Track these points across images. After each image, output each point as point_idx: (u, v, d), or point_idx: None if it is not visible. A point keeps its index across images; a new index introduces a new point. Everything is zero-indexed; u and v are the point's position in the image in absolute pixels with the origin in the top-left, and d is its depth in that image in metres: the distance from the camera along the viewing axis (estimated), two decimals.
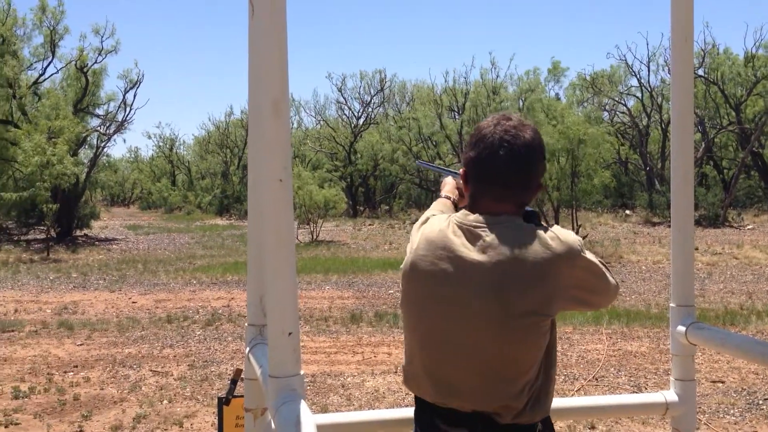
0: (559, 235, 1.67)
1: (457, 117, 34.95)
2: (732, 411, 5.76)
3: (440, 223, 1.76)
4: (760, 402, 5.96)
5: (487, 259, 1.64)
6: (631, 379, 6.74)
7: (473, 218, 1.71)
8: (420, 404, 1.80)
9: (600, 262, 1.74)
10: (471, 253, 1.66)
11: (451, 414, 1.71)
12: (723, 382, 6.56)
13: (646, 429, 5.32)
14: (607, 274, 1.74)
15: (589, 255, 1.70)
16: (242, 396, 1.98)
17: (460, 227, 1.71)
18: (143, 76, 29.04)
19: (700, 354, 7.34)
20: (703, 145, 30.38)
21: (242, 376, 1.97)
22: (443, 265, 1.69)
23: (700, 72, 31.51)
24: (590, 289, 1.71)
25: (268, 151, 1.31)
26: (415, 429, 1.84)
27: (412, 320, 1.76)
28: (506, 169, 1.69)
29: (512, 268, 1.62)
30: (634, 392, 6.17)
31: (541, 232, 1.67)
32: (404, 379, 1.84)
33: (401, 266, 1.82)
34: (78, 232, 24.99)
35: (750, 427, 5.39)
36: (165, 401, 6.20)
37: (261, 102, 1.32)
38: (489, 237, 1.66)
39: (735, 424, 5.47)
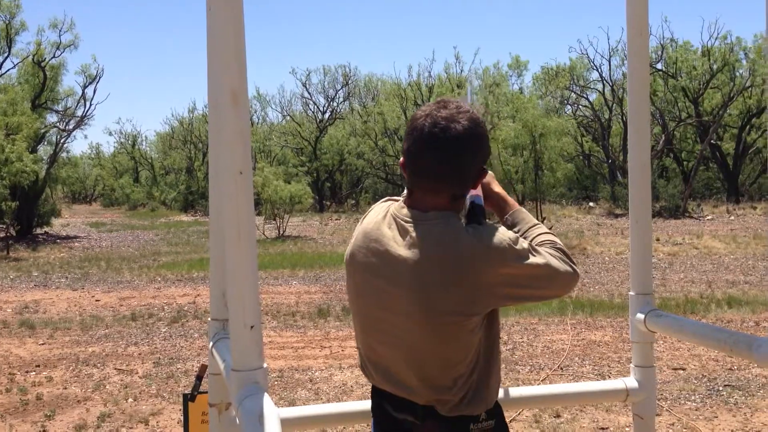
0: (484, 234, 1.62)
1: None
2: (693, 397, 5.88)
3: (378, 215, 1.76)
4: (720, 388, 6.10)
5: (411, 257, 1.62)
6: (595, 367, 6.84)
7: (405, 212, 1.69)
8: (372, 389, 1.83)
9: (550, 251, 1.67)
10: (399, 248, 1.65)
11: (396, 399, 1.72)
12: (684, 369, 6.70)
13: (610, 416, 5.41)
14: (554, 263, 1.65)
15: (522, 249, 1.63)
16: (207, 392, 1.97)
17: (395, 220, 1.70)
18: (103, 71, 28.57)
19: (661, 342, 7.49)
20: (663, 138, 30.91)
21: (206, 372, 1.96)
22: (374, 259, 1.69)
23: (659, 66, 32.07)
24: (526, 284, 1.64)
25: (227, 143, 1.30)
26: (372, 412, 1.87)
27: (353, 307, 1.80)
28: (434, 163, 1.63)
29: (433, 266, 1.59)
30: (597, 380, 6.27)
31: (465, 232, 1.62)
32: (359, 365, 1.87)
33: (345, 256, 1.85)
34: (38, 230, 24.52)
35: (711, 412, 5.52)
36: (130, 399, 6.13)
37: (219, 93, 1.31)
38: (414, 234, 1.64)
39: (696, 410, 5.59)
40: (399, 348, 1.67)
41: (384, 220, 1.73)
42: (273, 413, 1.27)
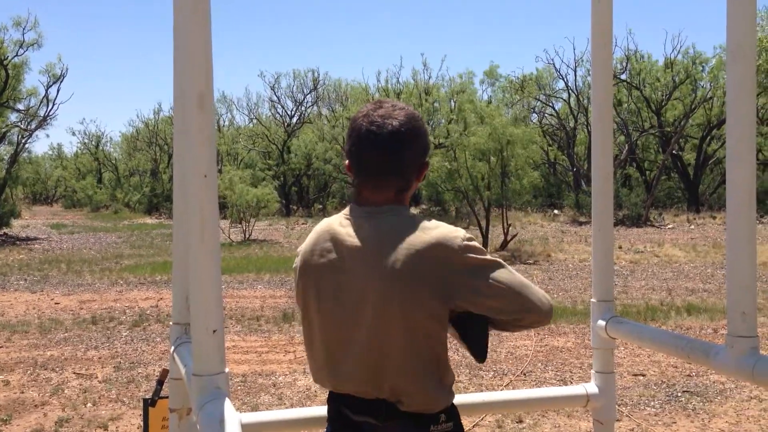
0: (441, 224, 1.68)
1: None
2: (652, 403, 5.98)
3: (329, 219, 1.81)
4: (679, 394, 6.21)
5: (372, 246, 1.67)
6: (558, 373, 6.91)
7: (357, 210, 1.74)
8: (330, 396, 1.83)
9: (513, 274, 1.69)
10: (357, 240, 1.69)
11: (356, 402, 1.73)
12: (644, 375, 6.81)
13: (572, 422, 5.47)
14: (519, 276, 1.68)
15: (474, 247, 1.66)
16: (168, 397, 1.94)
17: (347, 218, 1.75)
18: (67, 70, 28.05)
19: (622, 348, 7.60)
20: (627, 147, 31.47)
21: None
22: (331, 255, 1.73)
23: (624, 77, 32.63)
24: (492, 284, 1.64)
25: (192, 146, 1.30)
26: (327, 421, 1.87)
27: (309, 313, 1.78)
28: (375, 160, 1.70)
29: (397, 254, 1.63)
30: (559, 386, 6.34)
31: (420, 222, 1.68)
32: (313, 377, 1.86)
33: (293, 265, 1.86)
34: None
35: (669, 418, 5.61)
36: (89, 404, 6.02)
37: (186, 95, 1.31)
38: (370, 225, 1.69)
39: (655, 415, 5.68)
40: (364, 341, 1.68)
41: (335, 220, 1.78)
42: (234, 419, 1.26)
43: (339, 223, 1.75)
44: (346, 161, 1.78)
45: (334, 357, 1.74)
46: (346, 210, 1.78)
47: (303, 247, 1.83)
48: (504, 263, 1.70)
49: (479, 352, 1.74)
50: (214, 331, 1.31)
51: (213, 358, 1.32)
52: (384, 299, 1.63)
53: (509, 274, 1.67)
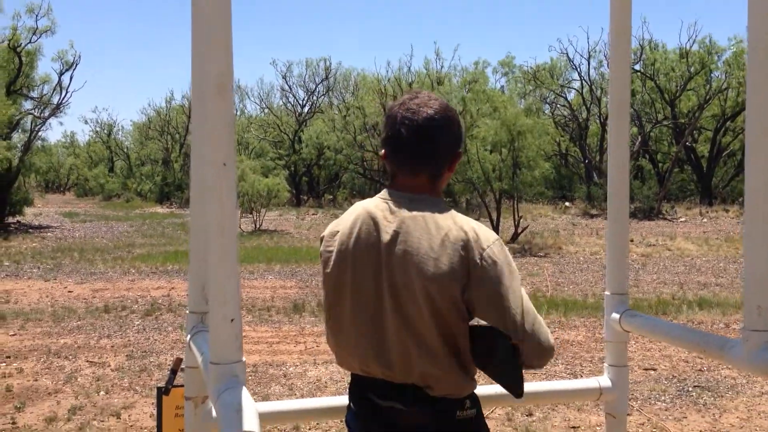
0: (472, 225, 1.73)
1: None
2: (663, 397, 5.96)
3: (364, 203, 1.85)
4: (690, 389, 6.19)
5: (403, 235, 1.72)
6: (568, 367, 6.91)
7: (395, 194, 1.80)
8: (354, 379, 1.85)
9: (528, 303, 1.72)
10: (391, 226, 1.74)
11: (383, 386, 1.75)
12: (655, 370, 6.79)
13: (581, 415, 5.47)
14: (528, 304, 1.70)
15: (502, 254, 1.70)
16: (182, 386, 1.95)
17: (384, 202, 1.80)
18: (80, 58, 28.19)
19: (633, 342, 7.58)
20: (639, 139, 31.23)
21: (182, 365, 1.94)
22: (369, 239, 1.76)
23: (637, 67, 32.37)
24: (494, 293, 1.67)
25: (211, 134, 1.29)
26: (349, 405, 1.88)
27: (342, 294, 1.80)
28: (410, 145, 1.77)
29: (421, 247, 1.69)
30: (570, 379, 6.33)
31: (457, 217, 1.74)
32: (337, 360, 1.88)
33: (322, 248, 1.87)
34: (10, 219, 24.17)
35: (680, 413, 5.60)
36: (102, 392, 6.07)
37: (205, 83, 1.30)
38: (405, 214, 1.74)
39: (666, 410, 5.67)
40: (397, 326, 1.71)
41: (370, 205, 1.82)
42: (251, 407, 1.26)
43: (375, 206, 1.80)
44: (382, 150, 1.84)
45: (366, 340, 1.76)
46: (383, 193, 1.83)
47: (335, 228, 1.86)
48: (521, 283, 1.74)
49: (515, 387, 1.72)
50: (232, 320, 1.31)
51: (230, 346, 1.32)
52: (417, 286, 1.67)
53: (523, 295, 1.71)
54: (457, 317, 1.70)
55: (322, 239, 1.90)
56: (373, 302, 1.75)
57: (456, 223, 1.71)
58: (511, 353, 1.67)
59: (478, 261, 1.67)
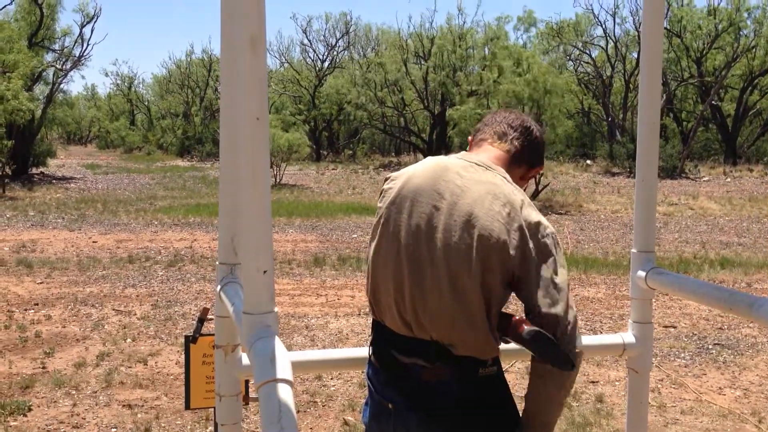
0: (538, 212, 1.79)
1: (423, 63, 34.55)
2: (683, 354, 5.99)
3: (440, 157, 1.92)
4: (710, 347, 6.21)
5: (467, 197, 1.75)
6: (588, 323, 6.94)
7: (474, 157, 1.88)
8: (378, 334, 1.87)
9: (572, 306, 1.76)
10: (460, 182, 1.78)
11: (407, 342, 1.78)
12: (675, 327, 6.81)
13: (601, 371, 5.52)
14: (566, 296, 1.74)
15: (550, 243, 1.74)
16: (209, 335, 1.99)
17: (460, 160, 1.86)
18: (101, 10, 28.08)
19: (654, 300, 7.58)
20: (664, 97, 30.68)
21: (209, 315, 1.98)
22: (436, 186, 1.80)
23: (664, 24, 31.62)
24: (533, 279, 1.72)
25: (244, 89, 1.29)
26: (369, 360, 1.91)
27: (395, 233, 1.81)
28: (506, 118, 1.99)
29: (478, 212, 1.72)
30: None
31: (521, 198, 1.77)
32: (372, 309, 1.90)
33: (383, 186, 1.90)
34: (34, 170, 24.44)
35: (699, 370, 5.63)
36: (129, 340, 6.21)
37: (236, 37, 1.30)
38: (476, 177, 1.80)
39: (685, 366, 5.70)
40: (436, 283, 1.73)
41: (446, 160, 1.87)
42: (284, 356, 1.29)
43: (450, 162, 1.85)
44: (470, 137, 2.00)
45: (400, 292, 1.78)
46: (461, 153, 1.91)
47: (403, 171, 1.89)
48: (567, 275, 1.78)
49: (561, 363, 1.73)
50: (265, 272, 1.33)
51: (263, 296, 1.34)
52: (477, 248, 1.70)
53: (565, 280, 1.74)
54: (503, 291, 1.74)
55: (386, 179, 1.93)
56: (416, 249, 1.77)
57: (526, 205, 1.76)
58: (547, 342, 1.70)
59: (535, 246, 1.72)
